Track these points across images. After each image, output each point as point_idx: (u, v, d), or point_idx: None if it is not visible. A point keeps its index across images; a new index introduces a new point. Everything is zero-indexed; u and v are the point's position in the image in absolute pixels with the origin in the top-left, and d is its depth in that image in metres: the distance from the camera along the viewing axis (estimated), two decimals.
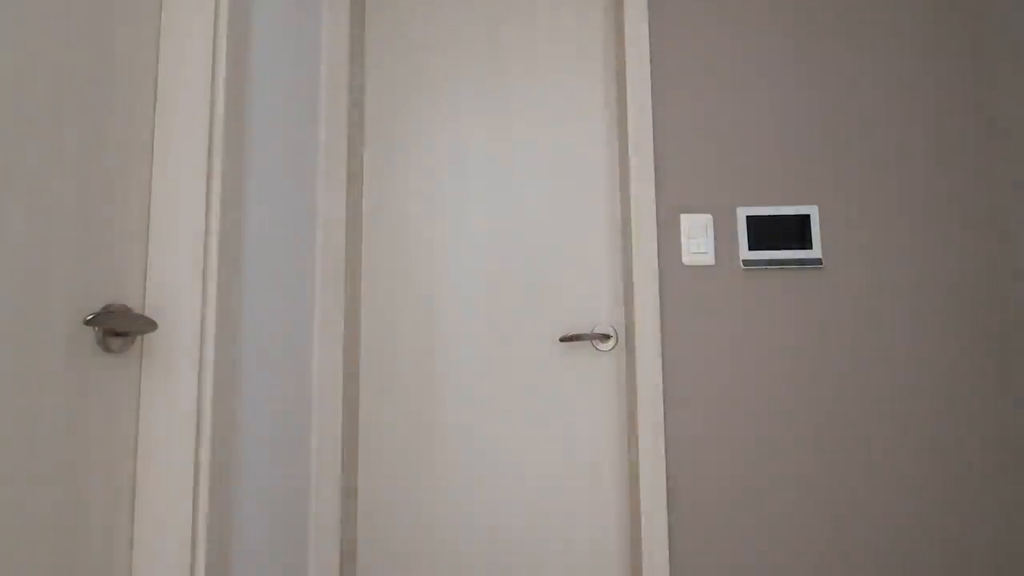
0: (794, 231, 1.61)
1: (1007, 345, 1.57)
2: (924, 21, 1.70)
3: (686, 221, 1.63)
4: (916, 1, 1.70)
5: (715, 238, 1.63)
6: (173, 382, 1.04)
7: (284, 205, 1.42)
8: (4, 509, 0.78)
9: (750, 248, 1.61)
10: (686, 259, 1.62)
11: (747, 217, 1.62)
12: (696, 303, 1.61)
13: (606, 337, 1.69)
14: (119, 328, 0.96)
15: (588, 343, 1.71)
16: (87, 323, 0.90)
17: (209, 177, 1.08)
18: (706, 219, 1.63)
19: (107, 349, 0.96)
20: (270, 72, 1.35)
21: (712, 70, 1.70)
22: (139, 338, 1.04)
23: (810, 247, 1.61)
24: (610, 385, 1.70)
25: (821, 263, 1.60)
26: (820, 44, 1.70)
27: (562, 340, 1.67)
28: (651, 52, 1.70)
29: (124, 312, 0.98)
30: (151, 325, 0.98)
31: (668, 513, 1.53)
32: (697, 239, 1.61)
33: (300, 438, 1.47)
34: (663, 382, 1.58)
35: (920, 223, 1.63)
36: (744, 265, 1.61)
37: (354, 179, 1.72)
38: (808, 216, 1.62)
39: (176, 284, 1.05)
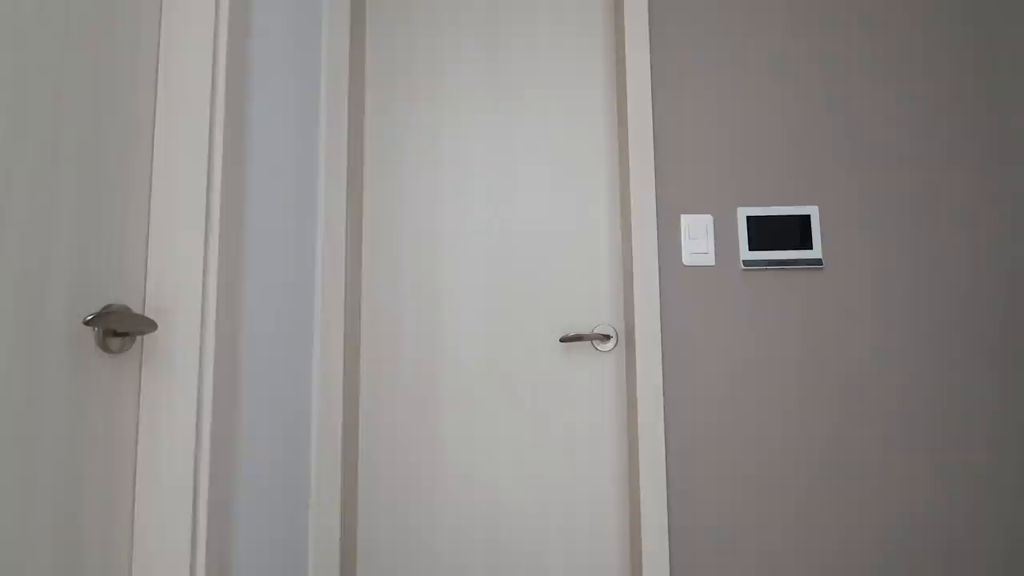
0: (795, 231, 1.60)
1: (1012, 349, 1.57)
2: (929, 17, 1.69)
3: (686, 221, 1.63)
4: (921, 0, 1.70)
5: (715, 238, 1.62)
6: (173, 383, 1.03)
7: (285, 204, 1.42)
8: (2, 513, 0.77)
9: (750, 248, 1.61)
10: (686, 259, 1.61)
11: (747, 217, 1.62)
12: (696, 304, 1.61)
13: (606, 337, 1.69)
14: (119, 328, 0.95)
15: (588, 343, 1.71)
16: (87, 323, 0.89)
17: (210, 176, 1.08)
18: (706, 219, 1.62)
19: (107, 349, 0.95)
20: (271, 71, 1.35)
21: (714, 67, 1.69)
22: (139, 338, 1.03)
23: (810, 247, 1.60)
24: (611, 385, 1.70)
25: (821, 264, 1.60)
26: (823, 41, 1.69)
27: (562, 340, 1.66)
28: (651, 48, 1.69)
29: (124, 312, 0.97)
30: (151, 325, 0.98)
31: (668, 516, 1.53)
32: (697, 239, 1.61)
33: (300, 441, 1.46)
34: (663, 383, 1.57)
35: (923, 224, 1.62)
36: (744, 265, 1.60)
37: (354, 178, 1.71)
38: (809, 216, 1.61)
39: (177, 284, 1.05)
